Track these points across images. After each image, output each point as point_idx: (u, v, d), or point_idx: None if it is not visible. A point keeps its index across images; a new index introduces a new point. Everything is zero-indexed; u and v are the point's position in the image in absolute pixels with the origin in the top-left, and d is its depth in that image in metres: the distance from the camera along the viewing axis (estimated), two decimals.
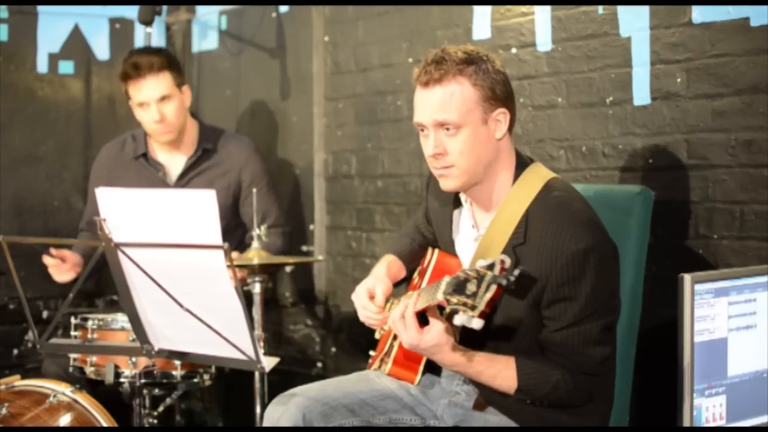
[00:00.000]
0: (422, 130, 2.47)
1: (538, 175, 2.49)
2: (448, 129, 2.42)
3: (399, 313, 2.36)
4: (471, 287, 2.13)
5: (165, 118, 3.76)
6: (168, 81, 3.76)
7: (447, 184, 2.49)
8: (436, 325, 2.32)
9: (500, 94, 2.44)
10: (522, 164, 2.51)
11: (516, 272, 2.11)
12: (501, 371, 2.39)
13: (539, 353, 2.43)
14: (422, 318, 2.37)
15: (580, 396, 2.42)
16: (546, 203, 2.42)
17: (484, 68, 2.43)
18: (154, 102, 3.74)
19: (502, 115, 2.45)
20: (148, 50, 3.90)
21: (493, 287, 2.10)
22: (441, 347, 2.34)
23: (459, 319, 2.13)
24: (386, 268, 2.74)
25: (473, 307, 2.11)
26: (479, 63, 2.43)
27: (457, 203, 2.63)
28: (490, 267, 2.13)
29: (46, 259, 3.66)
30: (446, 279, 2.21)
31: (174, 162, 3.92)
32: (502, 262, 2.13)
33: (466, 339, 2.47)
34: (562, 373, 2.37)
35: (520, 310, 2.39)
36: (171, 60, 3.83)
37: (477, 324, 2.12)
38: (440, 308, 2.36)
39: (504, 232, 2.42)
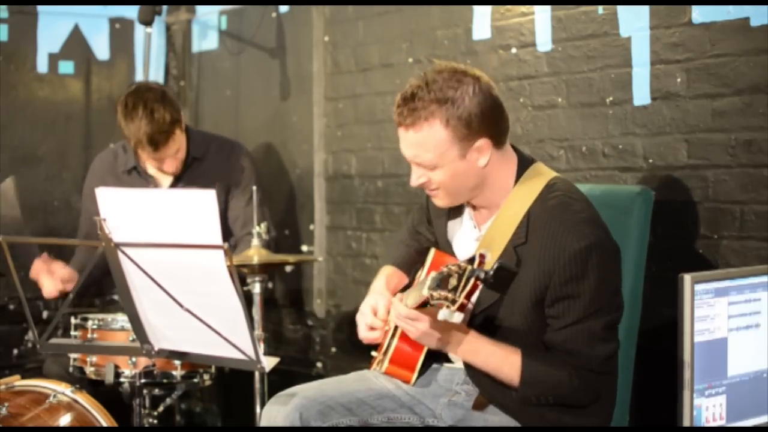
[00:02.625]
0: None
1: (540, 175, 2.49)
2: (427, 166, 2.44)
3: (400, 311, 2.39)
4: (453, 281, 2.13)
5: (169, 167, 3.74)
6: (180, 140, 3.69)
7: (438, 203, 2.55)
8: (424, 318, 2.35)
9: (477, 125, 2.38)
10: (524, 164, 2.51)
11: (495, 266, 2.10)
12: (509, 356, 2.38)
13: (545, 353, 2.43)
14: None
15: (587, 395, 2.41)
16: (547, 203, 2.42)
17: (460, 100, 2.36)
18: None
19: (483, 145, 2.41)
20: (158, 121, 3.55)
21: (471, 280, 2.10)
22: (432, 336, 2.36)
23: (442, 314, 2.14)
24: (385, 282, 2.74)
25: (453, 301, 2.11)
26: (455, 97, 2.36)
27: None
28: (471, 261, 2.13)
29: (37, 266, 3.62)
30: (432, 275, 2.23)
31: (164, 174, 3.88)
32: (481, 256, 2.12)
33: None
34: (568, 370, 2.37)
35: (525, 312, 2.40)
36: (175, 111, 3.61)
37: (457, 318, 2.12)
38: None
39: (505, 232, 2.42)
